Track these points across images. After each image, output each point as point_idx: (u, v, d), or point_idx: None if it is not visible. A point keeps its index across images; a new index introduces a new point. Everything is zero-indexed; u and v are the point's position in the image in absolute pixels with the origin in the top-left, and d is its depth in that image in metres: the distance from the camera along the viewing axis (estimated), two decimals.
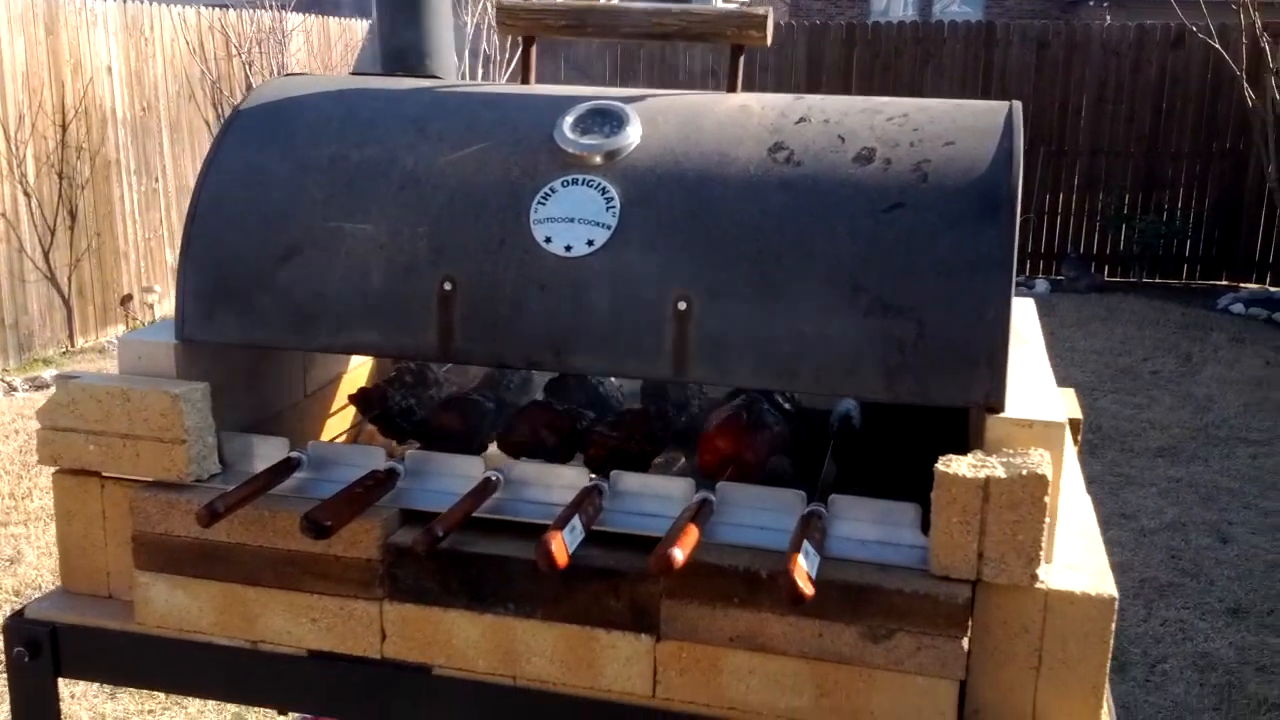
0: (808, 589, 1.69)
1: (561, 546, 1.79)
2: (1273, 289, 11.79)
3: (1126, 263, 12.70)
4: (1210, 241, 12.57)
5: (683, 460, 2.46)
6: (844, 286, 1.93)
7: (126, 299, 10.45)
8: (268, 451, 2.18)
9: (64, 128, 9.69)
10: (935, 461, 1.84)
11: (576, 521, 1.88)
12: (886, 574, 1.84)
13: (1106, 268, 12.78)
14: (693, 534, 1.82)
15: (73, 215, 9.74)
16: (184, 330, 2.18)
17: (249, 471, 2.15)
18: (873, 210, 1.96)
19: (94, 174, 10.03)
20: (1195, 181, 12.62)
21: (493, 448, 2.38)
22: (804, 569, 1.73)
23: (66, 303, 9.73)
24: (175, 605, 2.12)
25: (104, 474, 2.18)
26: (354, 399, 2.54)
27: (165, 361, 2.18)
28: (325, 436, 2.64)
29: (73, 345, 9.81)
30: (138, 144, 10.65)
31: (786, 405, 2.45)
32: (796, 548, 1.78)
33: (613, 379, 2.69)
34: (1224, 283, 12.51)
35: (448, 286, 2.06)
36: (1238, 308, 11.10)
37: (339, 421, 2.70)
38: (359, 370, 2.81)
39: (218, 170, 2.22)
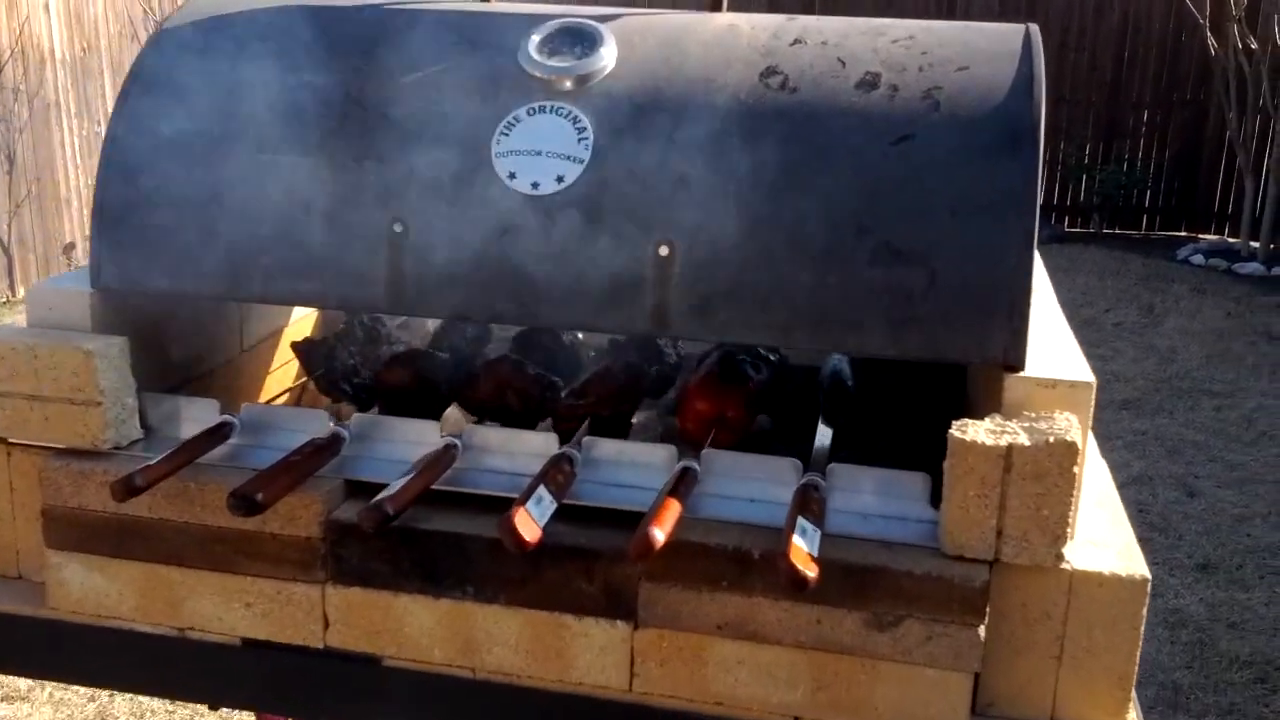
0: (810, 572, 1.49)
1: (529, 522, 1.57)
2: (1231, 240, 11.72)
3: (1086, 213, 12.57)
4: (1170, 192, 12.47)
5: (663, 420, 2.25)
6: (846, 229, 1.72)
7: (69, 247, 10.02)
8: (197, 415, 1.94)
9: None
10: (938, 424, 1.64)
11: (544, 493, 1.66)
12: (893, 553, 1.64)
13: (1067, 218, 12.66)
14: (674, 509, 1.61)
15: (10, 160, 9.30)
16: (100, 278, 1.93)
17: (175, 438, 1.91)
18: (878, 142, 1.74)
19: (32, 117, 9.57)
20: (1156, 131, 12.49)
21: (451, 411, 2.15)
22: (803, 549, 1.52)
23: (6, 251, 9.32)
24: (92, 588, 1.88)
25: (9, 440, 1.93)
26: (296, 349, 2.29)
27: (79, 313, 1.93)
28: (265, 396, 2.40)
29: (14, 295, 9.41)
30: (78, 86, 10.16)
31: (771, 358, 2.24)
32: (793, 524, 1.58)
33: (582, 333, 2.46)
34: (1184, 234, 12.43)
35: (397, 229, 1.82)
36: (1198, 259, 11.01)
37: (282, 378, 2.45)
38: (303, 322, 2.56)
39: (138, 95, 1.96)
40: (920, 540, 1.67)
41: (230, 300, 1.92)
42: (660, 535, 1.53)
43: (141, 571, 1.86)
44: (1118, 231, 12.63)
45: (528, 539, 1.55)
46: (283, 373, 2.47)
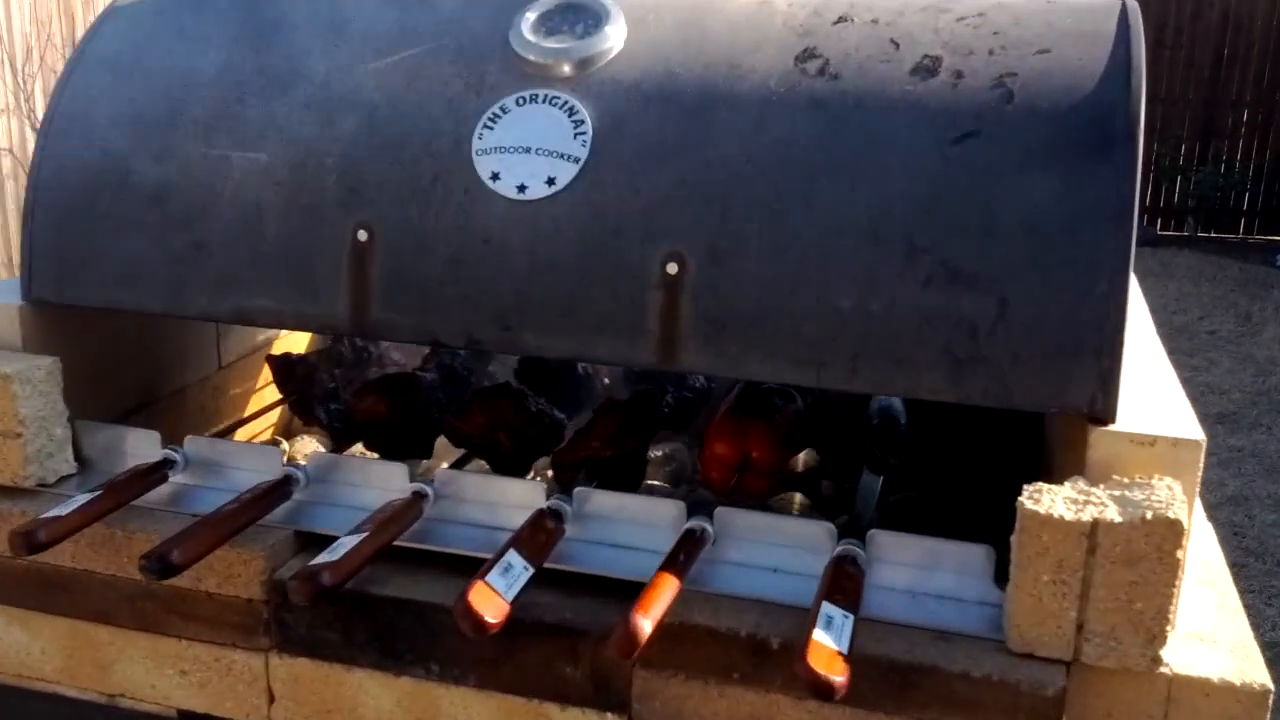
0: (836, 677, 1.18)
1: (491, 597, 1.28)
2: None
3: (1181, 215, 11.99)
4: (1270, 194, 11.84)
5: (692, 453, 1.94)
6: (896, 246, 1.40)
7: None
8: (137, 447, 1.68)
9: None
10: (1008, 479, 1.33)
11: (515, 559, 1.37)
12: (947, 647, 1.33)
13: (1160, 221, 12.08)
14: (669, 589, 1.31)
15: None
16: (31, 289, 1.68)
17: (112, 472, 1.65)
18: (937, 140, 1.42)
19: None
20: (1256, 131, 11.88)
21: (440, 445, 1.87)
22: (828, 647, 1.21)
23: None
24: (12, 645, 1.63)
25: None
26: (272, 364, 2.03)
27: (7, 329, 1.68)
28: (246, 417, 2.14)
29: None
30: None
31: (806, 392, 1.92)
32: (817, 612, 1.27)
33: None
34: None
35: (362, 236, 1.55)
36: None
37: (266, 400, 2.19)
38: (295, 336, 2.30)
39: (79, 80, 1.70)
40: (980, 629, 1.36)
41: (170, 316, 1.66)
42: (647, 627, 1.23)
43: (67, 629, 1.61)
44: (1214, 235, 12.05)
45: (489, 619, 1.26)
46: (268, 393, 2.21)
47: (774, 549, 1.46)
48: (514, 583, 1.33)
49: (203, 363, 2.10)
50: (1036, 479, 1.33)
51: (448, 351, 2.09)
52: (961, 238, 1.39)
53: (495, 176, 1.51)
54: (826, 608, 1.28)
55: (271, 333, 2.27)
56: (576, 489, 1.52)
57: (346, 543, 1.37)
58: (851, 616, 1.28)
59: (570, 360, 1.54)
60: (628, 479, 1.69)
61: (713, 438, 1.71)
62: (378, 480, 1.58)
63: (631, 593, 1.40)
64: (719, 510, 1.48)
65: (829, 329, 1.42)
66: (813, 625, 1.25)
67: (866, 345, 1.41)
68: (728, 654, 1.36)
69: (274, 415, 2.20)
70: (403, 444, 1.79)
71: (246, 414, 2.11)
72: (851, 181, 1.43)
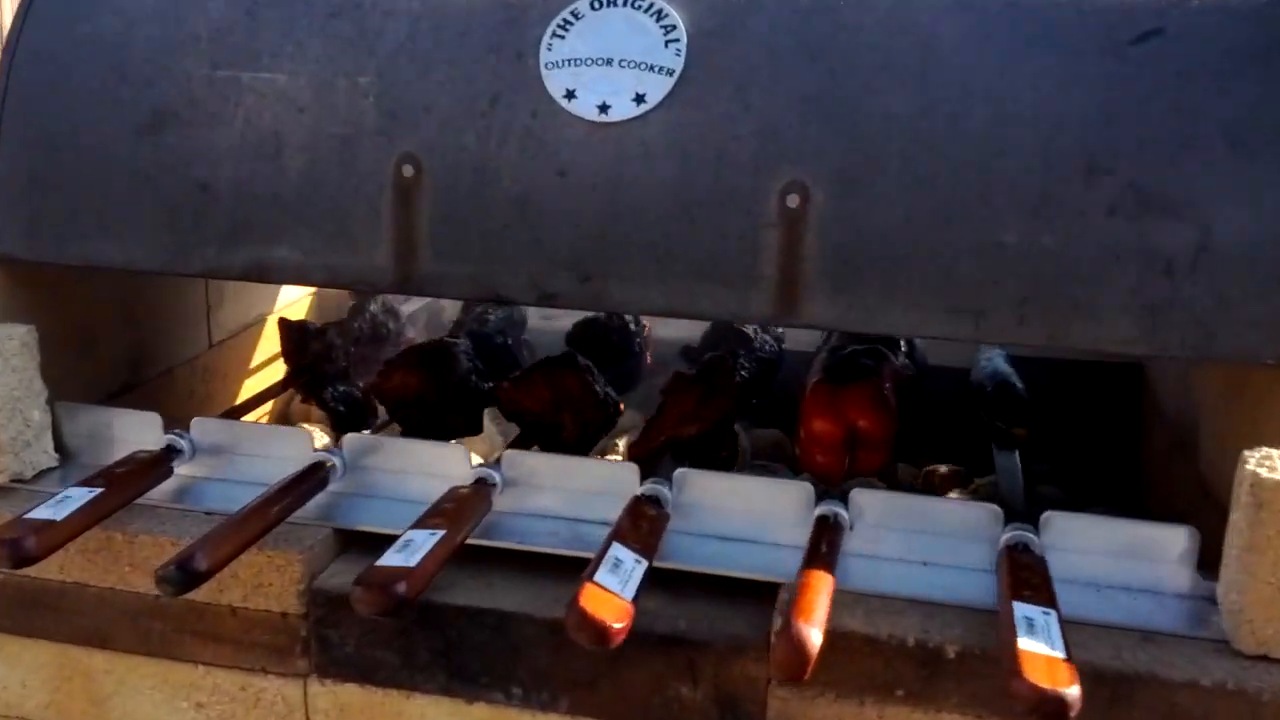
0: (1067, 690, 0.93)
1: (607, 601, 1.03)
2: None
3: None
4: None
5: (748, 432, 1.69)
6: (1071, 166, 1.16)
7: None
8: (132, 433, 1.40)
9: None
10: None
11: (624, 553, 1.11)
12: (1159, 651, 1.09)
13: None
14: (825, 587, 1.06)
15: None
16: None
17: (99, 464, 1.36)
18: (1112, 40, 1.18)
19: None
20: None
21: (486, 425, 1.61)
22: (1042, 654, 0.97)
23: None
24: None
25: None
26: (284, 331, 1.74)
27: None
28: (241, 404, 1.85)
29: None
30: None
31: (897, 350, 1.68)
32: (1010, 614, 1.03)
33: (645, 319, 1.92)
34: None
35: (408, 171, 1.28)
36: None
37: (264, 384, 1.90)
38: (294, 307, 2.02)
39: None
40: (1187, 628, 1.12)
41: (175, 274, 1.38)
42: (817, 637, 0.98)
43: (53, 655, 1.32)
44: None
45: (612, 624, 1.00)
46: (266, 375, 1.93)
47: (922, 538, 1.21)
48: (628, 580, 1.07)
49: (191, 340, 1.82)
50: (1146, 443, 1.10)
51: (476, 318, 1.83)
52: (1152, 155, 1.15)
53: (570, 95, 1.25)
54: (1022, 608, 1.04)
55: (264, 305, 1.99)
56: (677, 471, 1.27)
57: (418, 542, 1.10)
58: (1053, 613, 1.04)
59: (664, 313, 1.28)
60: (719, 460, 1.44)
61: (809, 415, 1.46)
62: (433, 464, 1.31)
63: (753, 595, 1.16)
64: (854, 493, 1.23)
65: (990, 269, 1.17)
66: (1011, 629, 1.01)
67: (1038, 288, 1.16)
68: (890, 667, 1.11)
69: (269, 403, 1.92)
70: (444, 422, 1.52)
71: (240, 400, 1.83)
72: (1011, 90, 1.18)
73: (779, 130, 1.21)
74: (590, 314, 1.83)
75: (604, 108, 1.24)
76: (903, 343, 1.69)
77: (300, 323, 1.71)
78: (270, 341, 1.99)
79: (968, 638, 1.11)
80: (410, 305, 2.04)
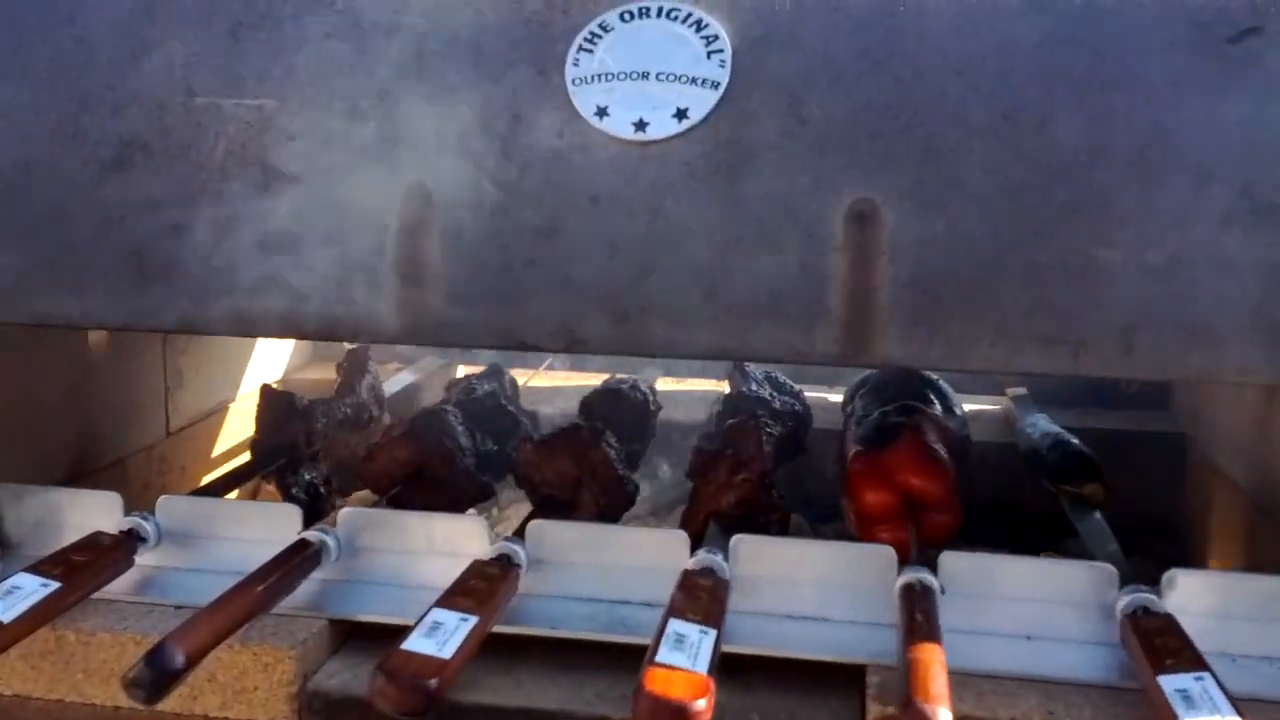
0: None
1: (683, 683, 0.84)
2: None
3: None
4: None
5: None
6: (1174, 174, 1.03)
7: None
8: (87, 518, 1.20)
9: None
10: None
11: (686, 628, 0.93)
12: None
13: None
14: (937, 664, 0.89)
15: None
16: None
17: (43, 554, 1.16)
18: (1206, 39, 1.06)
19: None
20: None
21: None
22: None
23: None
24: None
25: None
26: (267, 399, 1.54)
27: None
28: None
29: None
30: None
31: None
32: (1158, 691, 0.86)
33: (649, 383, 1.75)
34: None
35: (415, 203, 1.12)
36: None
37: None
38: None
39: None
40: None
41: (143, 329, 1.20)
42: (947, 717, 0.80)
43: None
44: None
45: (692, 705, 0.81)
46: (230, 464, 1.74)
47: (1025, 606, 1.04)
48: (698, 654, 0.89)
49: (147, 426, 1.63)
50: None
51: (462, 389, 1.65)
52: (1267, 159, 1.02)
53: (602, 112, 1.10)
54: (1171, 680, 0.87)
55: (228, 388, 1.81)
56: (734, 538, 1.09)
57: (448, 626, 0.91)
58: (1208, 676, 0.87)
59: (711, 356, 1.12)
60: (770, 528, 1.26)
61: (857, 492, 1.28)
62: (444, 541, 1.13)
63: (830, 681, 0.99)
64: (944, 556, 1.06)
65: (1090, 292, 1.03)
66: (1167, 708, 0.84)
67: (1146, 311, 1.02)
68: None
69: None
70: (445, 498, 1.34)
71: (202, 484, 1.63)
72: (1099, 94, 1.06)
73: (841, 144, 1.07)
74: (606, 384, 1.66)
75: (641, 125, 1.09)
76: (939, 405, 1.54)
77: (287, 394, 1.52)
78: (234, 432, 1.80)
79: (1099, 716, 0.93)
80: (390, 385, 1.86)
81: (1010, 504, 1.58)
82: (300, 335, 1.20)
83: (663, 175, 1.09)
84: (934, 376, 1.58)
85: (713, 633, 0.92)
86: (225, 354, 1.81)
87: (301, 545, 1.10)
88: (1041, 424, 1.56)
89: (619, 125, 1.10)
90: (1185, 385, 1.79)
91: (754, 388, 1.65)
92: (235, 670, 1.03)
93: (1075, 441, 1.45)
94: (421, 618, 0.93)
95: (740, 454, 1.33)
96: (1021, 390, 1.85)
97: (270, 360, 1.94)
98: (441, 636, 0.90)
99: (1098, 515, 1.30)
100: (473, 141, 1.12)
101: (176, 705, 1.03)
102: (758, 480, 1.29)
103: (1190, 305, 1.01)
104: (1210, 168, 1.02)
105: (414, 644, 0.88)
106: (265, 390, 1.52)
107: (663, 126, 1.09)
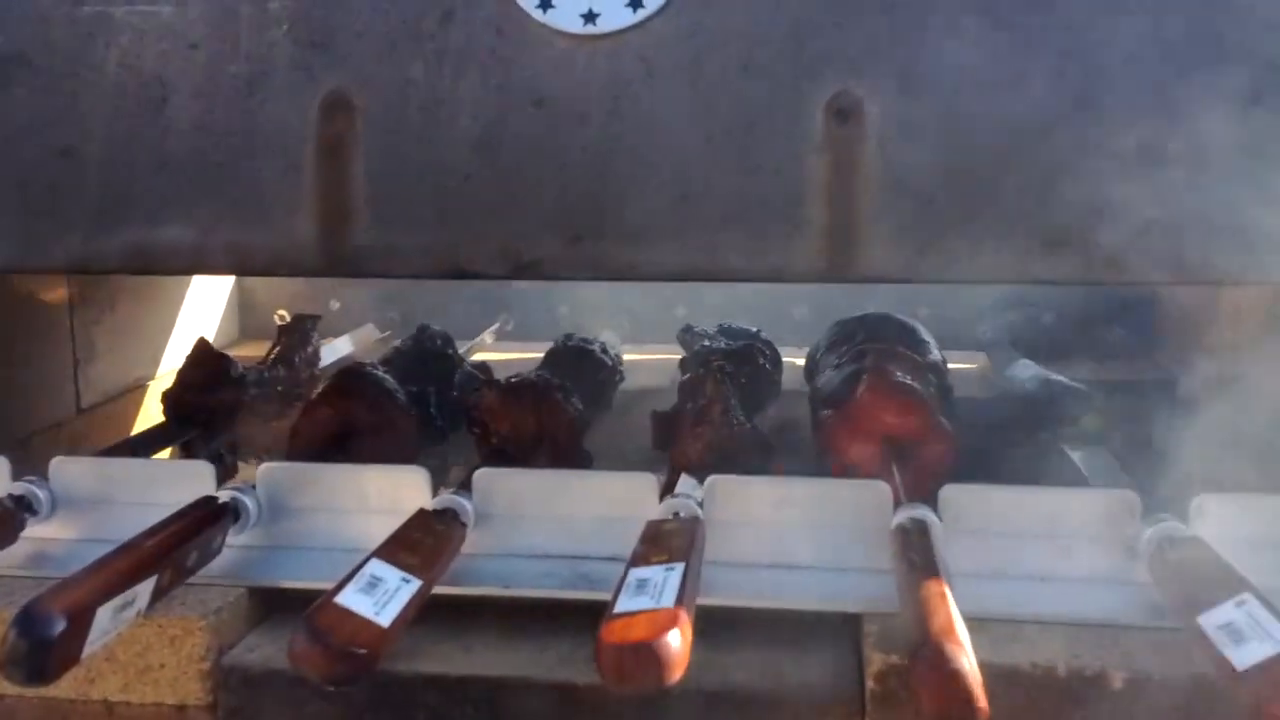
0: None
1: (646, 623, 0.71)
2: None
3: None
4: None
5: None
6: (1192, 49, 0.92)
7: None
8: None
9: None
10: None
11: (653, 574, 0.80)
12: None
13: None
14: (949, 600, 0.77)
15: None
16: None
17: None
18: None
19: None
20: None
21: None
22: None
23: None
24: None
25: None
26: (201, 354, 1.39)
27: None
28: None
29: None
30: None
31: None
32: (1195, 626, 0.74)
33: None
34: None
35: (336, 115, 0.99)
36: None
37: None
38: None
39: None
40: None
41: (30, 269, 1.06)
42: (966, 664, 0.68)
43: None
44: None
45: (660, 643, 0.69)
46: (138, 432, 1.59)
47: (1035, 543, 0.93)
48: (662, 591, 0.76)
49: (54, 402, 1.48)
50: None
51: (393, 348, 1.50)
52: None
53: (545, 4, 0.97)
54: (1213, 615, 0.76)
55: (148, 360, 1.66)
56: (709, 479, 0.97)
57: (389, 584, 0.78)
58: (1249, 598, 0.76)
59: (673, 276, 0.99)
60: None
61: (836, 451, 1.13)
62: (379, 497, 0.99)
63: (819, 634, 0.87)
64: (945, 490, 0.94)
65: (1102, 187, 0.91)
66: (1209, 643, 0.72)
67: (1165, 207, 0.91)
68: (1036, 705, 0.81)
69: None
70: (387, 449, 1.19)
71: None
72: None
73: (820, 29, 0.94)
74: (572, 341, 1.52)
75: (590, 17, 0.97)
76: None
77: (223, 355, 1.37)
78: (154, 413, 1.65)
79: (1133, 661, 0.81)
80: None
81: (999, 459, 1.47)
82: (208, 269, 1.06)
83: (617, 72, 0.97)
84: (904, 320, 1.46)
85: (679, 566, 0.79)
86: (142, 325, 1.67)
87: (209, 502, 0.96)
88: (1028, 368, 1.44)
89: (565, 18, 0.97)
90: (1174, 327, 1.69)
91: (706, 344, 1.53)
92: (137, 646, 0.89)
93: (1061, 378, 1.34)
94: (359, 568, 0.79)
95: (697, 403, 1.21)
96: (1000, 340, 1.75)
97: (192, 337, 1.79)
98: (380, 596, 0.77)
99: (1102, 449, 1.19)
100: (399, 43, 0.99)
101: (70, 690, 0.89)
102: (721, 420, 1.16)
103: (1217, 199, 0.90)
104: (1231, 42, 0.91)
105: (349, 599, 0.75)
106: (201, 343, 1.37)
107: (615, 17, 0.97)
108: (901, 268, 0.95)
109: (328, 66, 1.00)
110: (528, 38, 0.98)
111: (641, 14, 0.97)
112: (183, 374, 1.36)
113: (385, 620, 0.77)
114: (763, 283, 1.01)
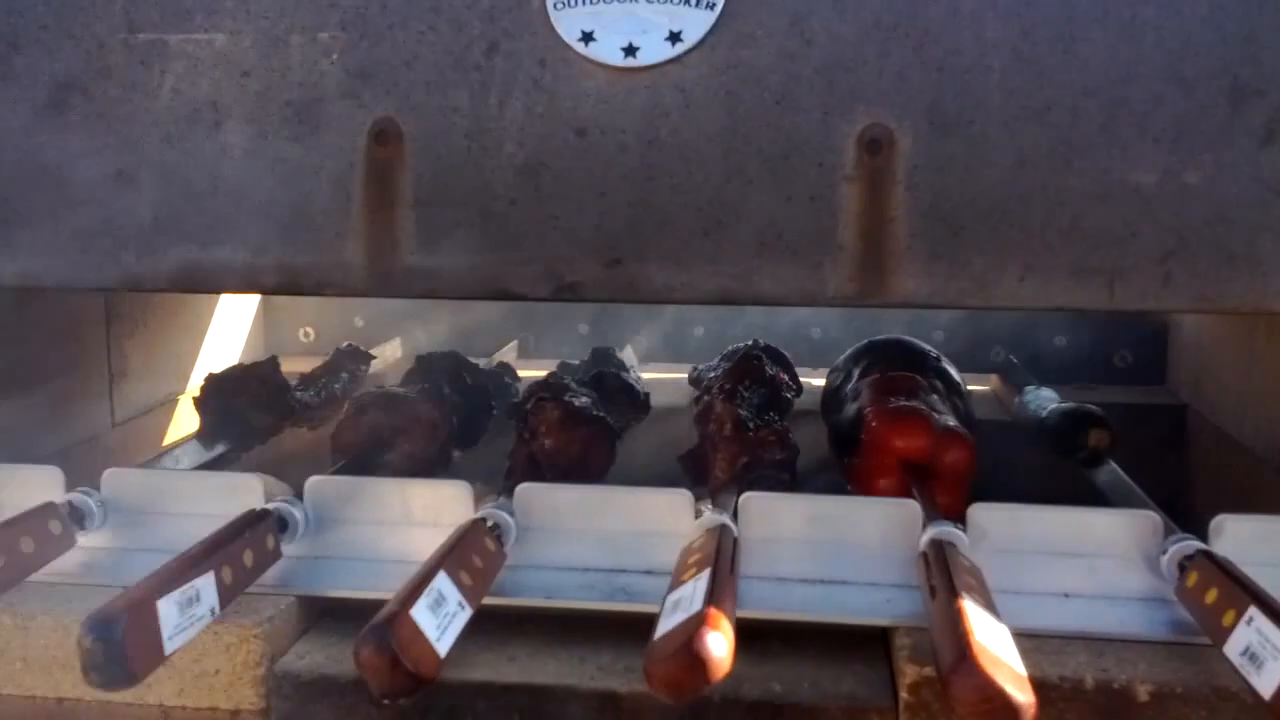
0: None
1: (687, 629, 0.74)
2: None
3: None
4: None
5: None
6: (1211, 88, 0.95)
7: None
8: (25, 494, 1.08)
9: None
10: None
11: (689, 588, 0.83)
12: None
13: None
14: (978, 610, 0.80)
15: None
16: None
17: None
18: None
19: None
20: None
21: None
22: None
23: None
24: None
25: None
26: (266, 371, 1.44)
27: None
28: None
29: None
30: None
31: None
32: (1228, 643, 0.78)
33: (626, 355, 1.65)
34: None
35: (384, 141, 1.02)
36: None
37: None
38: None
39: None
40: None
41: (84, 288, 1.10)
42: (1003, 668, 0.71)
43: None
44: None
45: (705, 647, 0.72)
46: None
47: (1061, 561, 0.96)
48: (694, 599, 0.79)
49: (90, 416, 1.51)
50: None
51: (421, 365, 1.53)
52: None
53: (587, 37, 1.01)
54: (1236, 635, 0.79)
55: (180, 380, 1.70)
56: (742, 496, 1.00)
57: (448, 604, 0.81)
58: (1257, 613, 0.79)
59: (709, 300, 1.03)
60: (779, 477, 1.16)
61: (863, 486, 1.17)
62: (423, 510, 1.02)
63: (852, 647, 0.90)
64: (973, 510, 0.98)
65: (1125, 218, 0.95)
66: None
67: (1184, 238, 0.95)
68: (1063, 712, 0.84)
69: None
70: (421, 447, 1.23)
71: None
72: (1127, 7, 0.98)
73: (851, 64, 0.98)
74: (604, 368, 1.54)
75: (630, 50, 1.01)
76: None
77: (284, 379, 1.41)
78: (185, 427, 1.68)
79: (1157, 675, 0.85)
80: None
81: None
82: (258, 289, 1.10)
83: (656, 104, 1.00)
84: (924, 347, 1.48)
85: (704, 573, 0.82)
86: (174, 341, 1.70)
87: (259, 515, 0.99)
88: (1041, 394, 1.48)
89: (606, 51, 1.01)
90: (1183, 353, 1.72)
91: (711, 372, 1.55)
92: (193, 653, 0.92)
93: (1070, 403, 1.37)
94: (426, 581, 0.82)
95: (713, 434, 1.24)
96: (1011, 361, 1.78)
97: (222, 352, 1.83)
98: (443, 618, 0.80)
99: (1114, 466, 1.22)
100: (446, 73, 1.03)
101: (128, 694, 0.92)
102: (735, 434, 1.19)
103: (1232, 229, 0.94)
104: (1248, 81, 0.95)
105: (420, 615, 0.77)
106: (272, 362, 1.41)
107: (655, 51, 1.01)
108: (930, 294, 0.99)
109: (377, 95, 1.03)
110: (570, 70, 1.01)
111: (680, 48, 1.00)
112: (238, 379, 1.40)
113: (442, 649, 0.80)
114: (795, 306, 1.04)
